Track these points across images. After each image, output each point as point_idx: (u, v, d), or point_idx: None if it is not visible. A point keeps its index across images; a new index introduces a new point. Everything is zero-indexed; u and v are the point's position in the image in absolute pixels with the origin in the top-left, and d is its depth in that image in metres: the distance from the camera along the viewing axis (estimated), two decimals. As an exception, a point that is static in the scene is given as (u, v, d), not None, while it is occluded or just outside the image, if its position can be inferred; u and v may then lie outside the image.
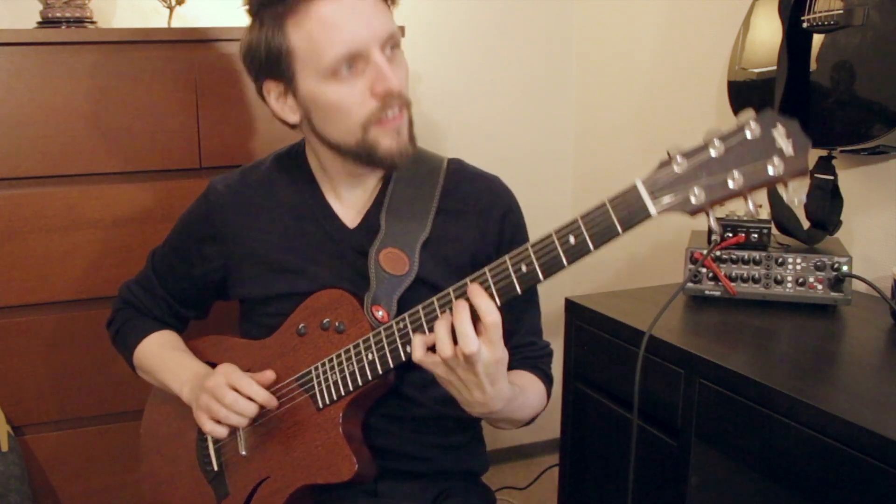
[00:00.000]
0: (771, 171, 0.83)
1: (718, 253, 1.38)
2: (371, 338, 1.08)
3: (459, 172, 1.24)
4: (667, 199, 0.87)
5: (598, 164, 2.34)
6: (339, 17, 1.03)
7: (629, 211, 0.88)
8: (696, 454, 1.18)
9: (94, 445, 1.76)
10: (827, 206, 1.45)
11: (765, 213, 1.41)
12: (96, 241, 1.68)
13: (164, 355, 1.29)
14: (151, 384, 1.36)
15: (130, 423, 1.76)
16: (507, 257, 0.95)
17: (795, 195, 0.84)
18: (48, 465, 1.74)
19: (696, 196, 0.85)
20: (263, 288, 1.22)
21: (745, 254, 1.37)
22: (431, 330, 0.99)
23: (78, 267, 1.68)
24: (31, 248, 1.65)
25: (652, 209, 0.87)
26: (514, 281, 0.95)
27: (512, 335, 1.22)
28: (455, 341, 0.94)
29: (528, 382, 1.20)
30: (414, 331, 1.03)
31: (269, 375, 1.15)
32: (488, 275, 0.96)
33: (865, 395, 1.04)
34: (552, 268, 0.93)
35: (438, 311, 1.00)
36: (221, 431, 1.13)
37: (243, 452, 1.19)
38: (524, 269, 0.94)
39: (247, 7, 1.11)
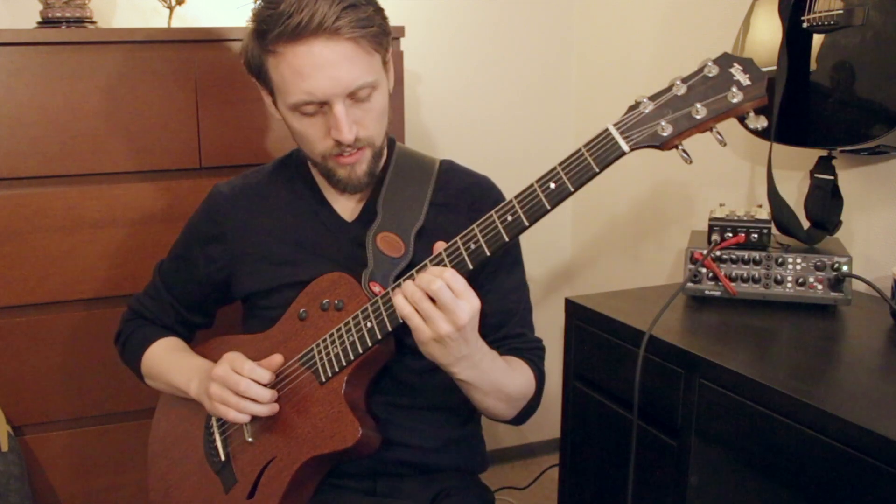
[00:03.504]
0: (733, 99, 0.92)
1: (718, 253, 1.38)
2: (369, 307, 1.10)
3: (451, 171, 1.30)
4: (637, 136, 0.94)
5: (598, 164, 2.33)
6: (306, 66, 1.07)
7: (603, 150, 0.95)
8: (696, 454, 1.18)
9: (93, 445, 1.76)
10: (827, 205, 1.45)
11: (765, 213, 1.41)
12: (96, 241, 1.68)
13: (169, 358, 1.32)
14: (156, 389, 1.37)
15: (130, 423, 1.77)
16: (493, 211, 1.01)
17: (758, 122, 0.92)
18: (48, 464, 1.74)
19: (664, 129, 0.93)
20: (264, 281, 1.25)
21: (745, 254, 1.37)
22: None
23: (78, 267, 1.68)
24: (31, 248, 1.65)
25: (624, 146, 0.94)
26: (501, 230, 1.00)
27: (501, 326, 1.24)
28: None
29: (512, 359, 1.22)
30: None
31: (277, 359, 1.17)
32: (476, 229, 1.02)
33: (865, 396, 1.04)
34: (536, 213, 0.99)
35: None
36: (244, 418, 1.14)
37: (249, 440, 1.20)
38: (510, 218, 1.00)
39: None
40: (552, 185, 0.98)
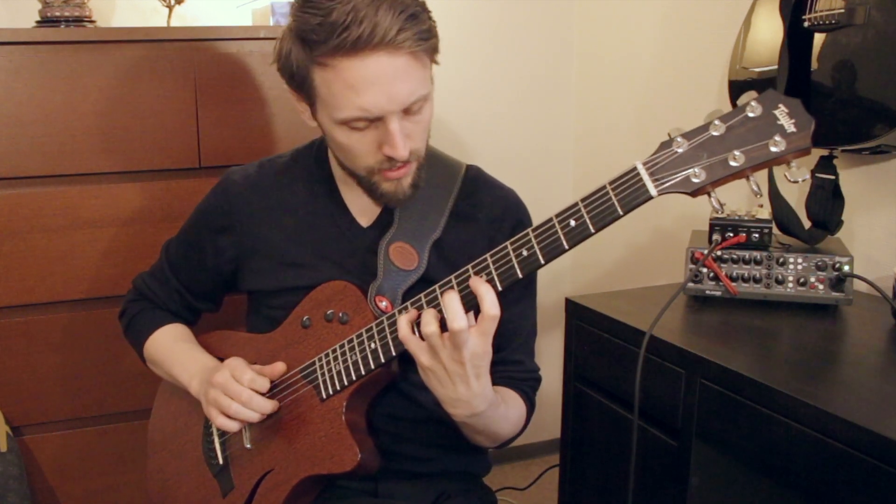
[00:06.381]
0: (773, 149, 0.83)
1: (719, 253, 1.37)
2: (374, 327, 1.07)
3: (477, 180, 1.25)
4: (667, 180, 0.87)
5: (598, 164, 2.33)
6: (361, 81, 0.99)
7: (629, 192, 0.89)
8: (696, 454, 1.18)
9: (93, 446, 1.76)
10: (828, 205, 1.44)
11: (766, 213, 1.41)
12: (96, 241, 1.68)
13: (173, 348, 1.29)
14: (156, 382, 1.36)
15: (130, 423, 1.76)
16: (507, 243, 0.96)
17: (799, 174, 0.84)
18: (47, 465, 1.74)
19: (697, 175, 0.86)
20: (271, 281, 1.23)
21: (746, 254, 1.37)
22: None
23: (77, 267, 1.68)
24: (31, 248, 1.64)
25: (652, 190, 0.88)
26: (515, 265, 0.95)
27: (501, 349, 1.20)
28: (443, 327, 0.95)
29: (510, 397, 1.18)
30: None
31: (280, 367, 1.15)
32: (489, 260, 0.97)
33: (866, 396, 1.03)
34: (553, 251, 0.94)
35: (441, 298, 0.99)
36: (233, 426, 1.13)
37: (248, 446, 1.19)
38: (525, 253, 0.94)
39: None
40: (572, 223, 0.92)
